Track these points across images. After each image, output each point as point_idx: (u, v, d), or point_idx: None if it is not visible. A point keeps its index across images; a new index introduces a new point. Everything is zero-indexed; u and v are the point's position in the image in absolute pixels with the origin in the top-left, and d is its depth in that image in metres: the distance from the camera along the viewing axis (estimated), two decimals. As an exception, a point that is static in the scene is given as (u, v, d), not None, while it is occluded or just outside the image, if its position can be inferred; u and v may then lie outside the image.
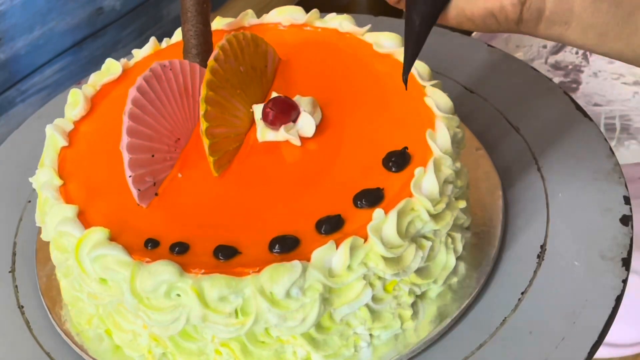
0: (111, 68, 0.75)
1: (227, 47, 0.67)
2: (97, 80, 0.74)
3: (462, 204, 0.65)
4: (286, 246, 0.59)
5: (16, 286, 0.72)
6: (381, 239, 0.58)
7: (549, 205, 0.71)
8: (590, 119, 0.78)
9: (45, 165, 0.67)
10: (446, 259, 0.65)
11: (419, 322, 0.64)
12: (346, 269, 0.58)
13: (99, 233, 0.61)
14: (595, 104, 1.23)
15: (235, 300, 0.57)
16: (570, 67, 1.25)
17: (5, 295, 0.71)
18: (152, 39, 0.77)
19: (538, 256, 0.67)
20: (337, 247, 0.58)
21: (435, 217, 0.61)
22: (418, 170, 0.61)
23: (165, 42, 0.78)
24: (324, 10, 0.79)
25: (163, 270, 0.57)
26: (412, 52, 0.59)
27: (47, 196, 0.65)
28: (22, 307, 0.70)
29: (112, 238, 0.61)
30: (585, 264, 0.66)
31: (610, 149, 0.75)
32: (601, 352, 0.86)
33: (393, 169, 0.63)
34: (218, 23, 0.78)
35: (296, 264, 0.57)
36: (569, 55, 1.25)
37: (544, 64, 1.25)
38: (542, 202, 0.71)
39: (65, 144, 0.69)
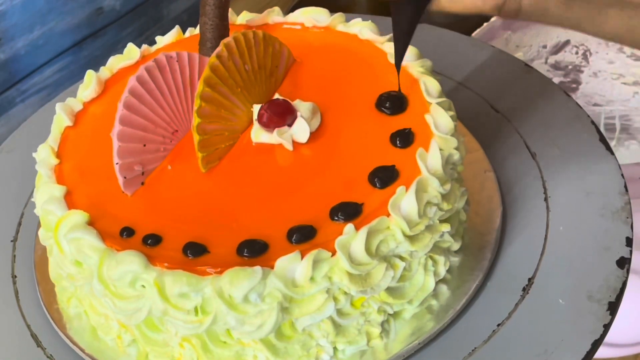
0: (130, 53, 0.76)
1: (232, 45, 0.67)
2: (114, 63, 0.75)
3: (446, 227, 0.63)
4: (254, 251, 0.59)
5: (14, 255, 0.74)
6: (348, 254, 0.58)
7: (547, 237, 0.69)
8: (612, 153, 0.75)
9: (46, 143, 0.69)
10: (424, 281, 0.64)
11: (389, 341, 0.63)
12: (309, 280, 0.57)
13: (78, 216, 0.62)
14: (595, 104, 1.21)
15: (195, 298, 0.58)
16: (570, 67, 1.24)
17: (2, 263, 0.73)
18: (176, 28, 0.78)
19: (523, 289, 0.66)
20: (302, 258, 0.58)
21: (411, 238, 0.60)
22: (400, 189, 0.60)
23: (189, 32, 0.78)
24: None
25: (130, 261, 0.58)
26: (403, 47, 0.66)
27: (42, 173, 0.67)
28: (15, 276, 0.72)
29: (90, 222, 0.62)
30: (569, 303, 0.64)
31: (625, 186, 0.72)
32: (601, 352, 0.85)
33: (377, 185, 0.62)
34: (242, 17, 0.78)
35: (257, 270, 0.57)
36: (568, 56, 1.24)
37: (544, 64, 1.24)
38: (541, 234, 0.69)
39: (69, 123, 0.70)
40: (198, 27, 0.78)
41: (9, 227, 0.77)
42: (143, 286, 0.59)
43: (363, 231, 0.58)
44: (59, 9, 1.14)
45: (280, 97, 0.68)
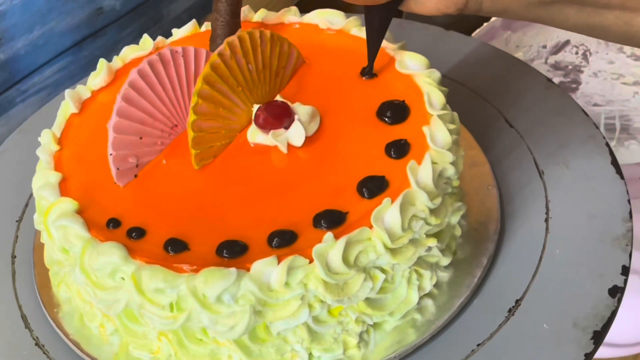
0: (145, 44, 0.77)
1: (236, 44, 0.67)
2: (127, 53, 0.76)
3: (433, 241, 0.63)
4: (234, 252, 0.59)
5: (17, 236, 0.76)
6: (325, 263, 0.58)
7: (542, 259, 0.68)
8: (622, 177, 0.73)
9: (50, 129, 0.70)
10: (407, 295, 0.63)
11: (367, 352, 0.63)
12: (283, 285, 0.57)
13: (67, 204, 0.63)
14: (595, 104, 1.21)
15: (171, 295, 0.58)
16: (570, 67, 1.23)
17: (4, 243, 0.75)
18: (193, 21, 0.79)
19: (509, 310, 0.65)
20: (278, 263, 0.58)
21: (393, 251, 0.60)
22: (385, 201, 0.60)
23: (205, 27, 0.79)
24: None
25: (110, 252, 0.59)
26: (375, 46, 0.69)
27: (41, 159, 0.68)
28: (15, 257, 0.74)
29: (79, 211, 0.63)
30: (554, 329, 0.63)
31: (630, 212, 0.70)
32: (601, 352, 0.84)
33: (365, 195, 0.62)
34: (259, 15, 0.79)
35: (232, 271, 0.57)
36: (568, 56, 1.23)
37: (543, 64, 1.23)
38: (535, 255, 0.68)
39: (75, 111, 0.71)
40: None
41: (16, 207, 0.78)
42: (122, 278, 0.59)
43: (342, 241, 0.58)
44: (59, 9, 1.14)
45: (280, 99, 0.68)
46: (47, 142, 0.69)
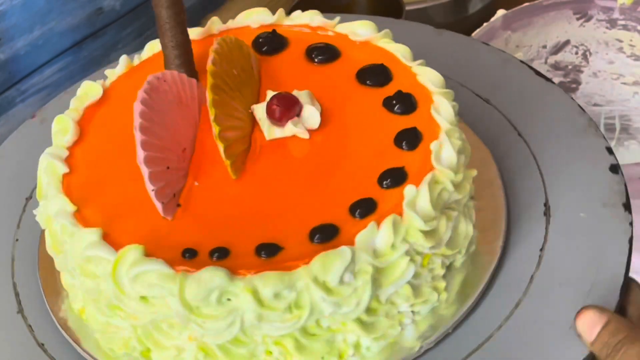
0: (90, 91, 0.73)
1: (220, 51, 0.67)
2: (78, 105, 0.72)
3: (474, 172, 0.67)
4: (327, 235, 0.59)
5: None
6: (417, 212, 0.60)
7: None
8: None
9: (51, 195, 0.65)
10: (466, 228, 0.66)
11: (450, 294, 0.65)
12: (390, 247, 0.59)
13: (134, 251, 0.59)
14: (595, 104, 1.23)
15: (289, 295, 0.57)
16: (570, 67, 1.25)
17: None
18: (124, 57, 0.76)
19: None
20: (378, 228, 0.59)
21: (457, 186, 0.63)
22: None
23: (138, 59, 0.76)
24: (325, 10, 0.79)
25: (212, 277, 0.57)
26: None
27: (64, 223, 0.63)
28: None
29: (147, 254, 0.59)
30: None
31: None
32: None
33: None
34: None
35: (345, 250, 0.57)
36: (568, 56, 1.26)
37: (543, 64, 1.25)
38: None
39: (66, 170, 0.67)
40: (144, 51, 0.77)
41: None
42: (229, 300, 0.57)
43: (424, 188, 0.60)
44: (59, 9, 1.12)
45: (281, 92, 0.69)
46: (60, 206, 0.63)
